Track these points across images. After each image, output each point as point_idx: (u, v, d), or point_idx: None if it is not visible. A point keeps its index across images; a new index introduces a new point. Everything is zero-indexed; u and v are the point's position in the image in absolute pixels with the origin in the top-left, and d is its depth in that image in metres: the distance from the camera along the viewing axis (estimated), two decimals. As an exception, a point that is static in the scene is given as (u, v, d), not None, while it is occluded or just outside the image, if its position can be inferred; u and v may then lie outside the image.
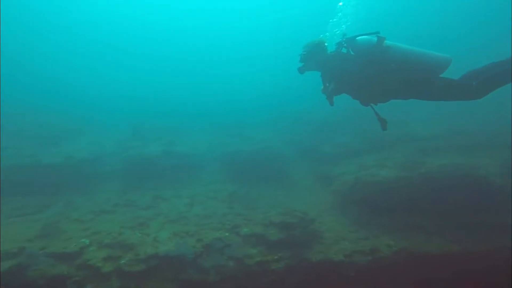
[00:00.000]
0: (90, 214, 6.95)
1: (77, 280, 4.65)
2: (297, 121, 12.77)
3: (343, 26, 4.05)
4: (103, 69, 26.70)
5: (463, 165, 6.29)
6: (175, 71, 26.59)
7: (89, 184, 9.05)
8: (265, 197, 8.43)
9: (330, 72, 3.58)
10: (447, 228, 5.54)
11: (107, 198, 8.14)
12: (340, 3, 4.19)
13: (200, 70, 26.47)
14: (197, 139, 12.44)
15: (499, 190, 5.92)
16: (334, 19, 4.14)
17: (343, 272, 5.10)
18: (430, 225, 5.69)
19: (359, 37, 3.37)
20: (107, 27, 28.06)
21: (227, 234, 6.12)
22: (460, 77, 3.21)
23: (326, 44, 3.69)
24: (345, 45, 3.49)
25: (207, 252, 5.61)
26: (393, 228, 5.97)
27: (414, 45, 3.32)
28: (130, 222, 6.71)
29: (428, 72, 3.13)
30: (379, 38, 3.25)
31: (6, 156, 8.53)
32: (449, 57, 3.10)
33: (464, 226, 5.68)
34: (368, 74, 3.26)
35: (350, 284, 5.10)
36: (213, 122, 14.92)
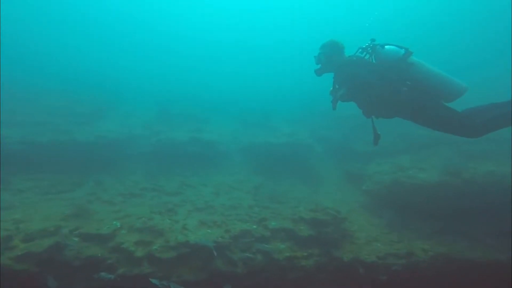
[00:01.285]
0: (120, 197, 7.08)
1: (111, 263, 4.71)
2: (327, 116, 12.39)
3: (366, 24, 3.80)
4: (133, 50, 27.10)
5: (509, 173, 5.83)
6: (204, 59, 26.55)
7: (117, 164, 9.22)
8: (292, 192, 8.29)
9: (344, 76, 3.40)
10: (492, 236, 5.19)
11: (135, 181, 8.27)
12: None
13: (225, 63, 26.34)
14: (222, 127, 12.36)
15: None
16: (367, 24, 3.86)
17: (374, 274, 4.91)
18: (473, 232, 5.36)
19: (388, 46, 3.22)
20: (147, 16, 28.41)
21: (254, 226, 6.04)
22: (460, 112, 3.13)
23: (343, 46, 3.54)
24: (370, 51, 3.33)
25: (235, 244, 5.57)
26: (429, 233, 5.68)
27: (437, 65, 3.18)
28: (158, 207, 6.77)
29: (441, 97, 3.10)
30: (406, 51, 3.13)
31: (46, 131, 8.79)
32: (465, 86, 3.06)
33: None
34: (383, 86, 3.12)
35: (382, 287, 4.91)
36: (238, 111, 14.80)
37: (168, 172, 9.12)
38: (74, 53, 24.22)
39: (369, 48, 3.35)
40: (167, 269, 5.00)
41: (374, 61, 3.34)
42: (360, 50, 3.45)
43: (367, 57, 3.40)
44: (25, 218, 5.26)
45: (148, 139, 10.33)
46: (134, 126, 11.48)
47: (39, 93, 12.88)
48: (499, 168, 6.11)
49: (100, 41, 26.99)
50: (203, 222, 6.23)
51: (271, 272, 5.21)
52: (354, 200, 7.66)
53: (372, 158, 9.23)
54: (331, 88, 3.60)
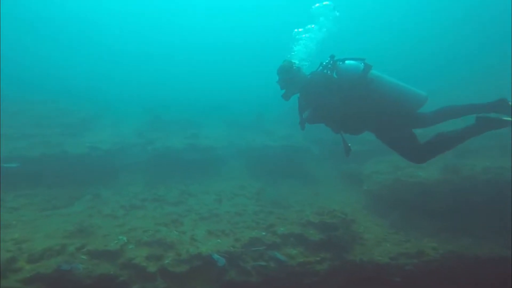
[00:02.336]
0: (122, 209, 6.86)
1: (123, 280, 4.56)
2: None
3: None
4: (117, 58, 26.49)
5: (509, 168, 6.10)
6: (191, 64, 26.31)
7: (113, 176, 8.95)
8: (293, 195, 8.31)
9: (308, 98, 3.46)
10: (497, 232, 5.40)
11: (134, 192, 8.04)
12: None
13: (214, 65, 26.20)
14: (216, 132, 12.27)
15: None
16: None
17: (389, 274, 5.00)
18: (476, 228, 5.56)
19: (348, 61, 3.27)
20: (132, 18, 27.82)
21: (263, 233, 6.01)
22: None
23: (296, 65, 3.58)
24: (330, 67, 3.39)
25: (247, 252, 5.52)
26: (434, 230, 5.84)
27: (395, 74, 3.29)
28: (162, 218, 6.62)
29: (405, 110, 3.16)
30: (366, 65, 3.16)
31: (35, 144, 8.41)
32: (425, 95, 3.14)
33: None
34: (346, 105, 3.18)
35: (397, 286, 5.01)
36: (229, 114, 14.72)
37: (167, 181, 8.93)
38: (56, 62, 23.46)
39: (329, 65, 3.40)
40: (181, 283, 4.90)
41: (335, 76, 3.37)
42: (321, 66, 3.50)
43: (328, 72, 3.44)
44: (26, 237, 5.00)
45: (143, 148, 10.09)
46: (126, 135, 11.19)
47: (22, 104, 12.35)
48: (497, 163, 6.35)
49: (83, 49, 26.25)
50: (210, 232, 6.14)
51: (286, 279, 5.20)
52: (355, 201, 7.78)
53: (367, 157, 9.40)
54: (298, 110, 3.64)
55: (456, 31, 21.99)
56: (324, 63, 3.44)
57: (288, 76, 3.53)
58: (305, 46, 3.85)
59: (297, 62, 3.63)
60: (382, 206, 6.95)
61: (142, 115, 13.57)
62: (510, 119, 2.79)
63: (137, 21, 28.62)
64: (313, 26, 3.95)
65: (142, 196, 7.77)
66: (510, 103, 2.91)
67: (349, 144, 3.35)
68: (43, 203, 6.81)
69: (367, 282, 5.08)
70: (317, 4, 4.07)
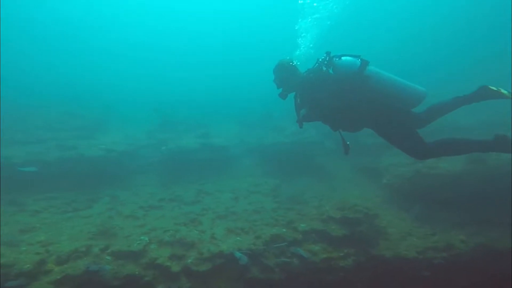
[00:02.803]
0: (141, 210, 6.89)
1: (148, 281, 4.56)
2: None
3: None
4: (124, 61, 26.67)
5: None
6: (194, 65, 26.33)
7: (128, 177, 9.01)
8: (310, 191, 8.22)
9: (305, 96, 3.40)
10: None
11: (151, 193, 8.07)
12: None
13: (218, 64, 26.16)
14: (226, 130, 12.27)
15: None
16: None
17: (417, 269, 4.90)
18: (504, 220, 5.41)
19: (344, 58, 3.20)
20: (136, 21, 27.97)
21: (284, 230, 5.96)
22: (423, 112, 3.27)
23: (293, 63, 3.52)
24: (326, 63, 3.31)
25: (268, 249, 5.47)
26: (460, 223, 5.70)
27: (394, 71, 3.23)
28: (181, 218, 6.62)
29: (403, 106, 3.13)
30: (362, 61, 3.09)
31: (51, 148, 8.49)
32: (424, 91, 3.09)
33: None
34: (343, 102, 3.13)
35: (425, 281, 4.90)
36: (238, 112, 14.68)
37: (182, 180, 8.94)
38: (61, 66, 23.74)
39: (325, 61, 3.32)
40: (204, 281, 4.88)
41: (332, 73, 3.30)
42: (317, 63, 3.41)
43: (324, 69, 3.35)
44: (52, 240, 5.04)
45: (156, 149, 10.13)
46: (138, 136, 11.27)
47: (29, 109, 12.50)
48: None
49: (88, 52, 26.48)
50: (230, 229, 6.11)
51: (310, 275, 5.14)
52: (374, 195, 7.66)
53: (383, 150, 9.24)
54: (295, 107, 3.61)
55: (455, 24, 21.84)
56: (320, 60, 3.37)
57: (284, 74, 3.49)
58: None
59: (294, 61, 3.58)
60: (403, 200, 6.82)
61: (150, 116, 13.61)
62: None
63: (143, 23, 28.77)
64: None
65: (159, 197, 7.78)
66: (492, 88, 2.93)
67: (348, 142, 3.33)
68: (63, 205, 6.87)
69: (394, 277, 4.98)
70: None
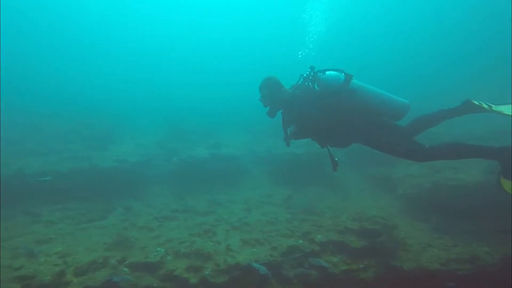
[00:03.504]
0: (155, 221, 6.85)
1: (167, 292, 4.49)
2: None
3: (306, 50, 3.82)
4: (133, 70, 27.09)
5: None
6: (200, 73, 26.65)
7: (141, 188, 9.01)
8: (322, 201, 8.15)
9: (292, 113, 3.36)
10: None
11: (164, 204, 8.06)
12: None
13: (223, 73, 26.46)
14: (235, 140, 12.27)
15: None
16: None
17: (441, 280, 4.76)
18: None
19: (328, 72, 3.19)
20: (145, 30, 28.52)
21: (301, 241, 5.88)
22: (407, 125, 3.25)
23: (278, 80, 3.49)
24: (311, 79, 3.30)
25: (286, 261, 5.39)
26: (481, 234, 5.58)
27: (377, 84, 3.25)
28: (195, 229, 6.57)
29: (389, 118, 3.16)
30: (346, 75, 3.11)
31: (64, 159, 8.55)
32: (408, 103, 3.13)
33: None
34: (331, 114, 3.12)
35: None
36: (243, 120, 14.68)
37: (193, 191, 8.92)
38: (72, 75, 24.17)
39: (310, 77, 3.32)
40: (222, 294, 4.80)
41: (317, 88, 3.31)
42: (302, 79, 3.42)
43: (309, 85, 3.36)
44: (69, 251, 5.02)
45: (167, 159, 10.16)
46: (148, 146, 11.33)
47: (43, 118, 12.68)
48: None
49: (96, 61, 26.97)
50: (245, 241, 6.04)
51: (329, 287, 5.03)
52: (389, 205, 7.56)
53: (396, 160, 9.22)
54: (282, 124, 3.59)
55: (454, 32, 22.08)
56: (305, 75, 3.37)
57: (270, 92, 3.45)
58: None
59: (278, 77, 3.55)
60: (420, 210, 6.71)
61: (160, 125, 13.75)
62: None
63: (153, 32, 29.32)
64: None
65: (173, 207, 7.76)
66: (476, 103, 2.96)
67: (336, 159, 3.36)
68: (78, 216, 6.87)
69: (416, 290, 4.85)
70: None
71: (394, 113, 3.15)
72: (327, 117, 3.13)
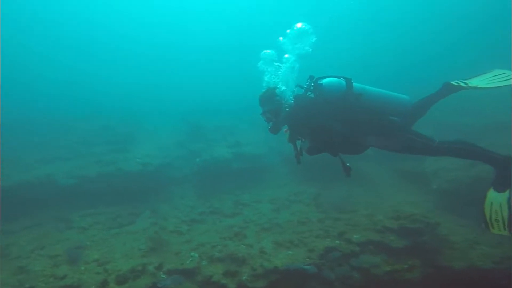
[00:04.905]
0: (184, 225, 6.80)
1: (208, 299, 4.38)
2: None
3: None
4: (148, 71, 27.25)
5: None
6: (212, 69, 26.57)
7: (165, 190, 8.98)
8: (352, 198, 7.90)
9: (300, 125, 3.12)
10: None
11: (189, 206, 7.99)
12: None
13: (236, 67, 26.25)
14: (254, 137, 12.05)
15: None
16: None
17: (496, 279, 4.49)
18: None
19: (326, 80, 3.04)
20: (161, 32, 28.60)
21: (337, 241, 5.68)
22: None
23: (277, 92, 3.18)
24: (312, 88, 3.09)
25: (325, 263, 5.21)
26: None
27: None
28: (225, 232, 6.47)
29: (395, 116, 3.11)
30: (347, 80, 3.01)
31: (90, 163, 8.58)
32: (408, 98, 3.13)
33: None
34: (342, 122, 2.98)
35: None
36: (260, 118, 14.41)
37: (217, 191, 8.82)
38: (90, 78, 24.48)
39: (310, 86, 3.12)
40: (263, 299, 4.66)
41: (320, 97, 3.10)
42: (303, 89, 3.21)
43: (311, 95, 3.15)
44: (106, 258, 5.01)
45: (189, 160, 10.09)
46: (169, 148, 11.27)
47: (67, 122, 12.83)
48: None
49: (116, 63, 27.20)
50: (278, 243, 5.89)
51: (373, 289, 4.83)
52: (423, 200, 7.25)
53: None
54: (287, 136, 3.34)
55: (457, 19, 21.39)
56: (306, 86, 3.17)
57: (274, 107, 3.16)
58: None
59: (280, 86, 3.25)
60: (459, 205, 6.40)
61: (177, 125, 13.68)
62: None
63: (168, 35, 29.33)
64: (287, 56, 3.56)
65: (199, 210, 7.69)
66: (454, 83, 2.99)
67: (348, 164, 3.14)
68: (108, 221, 6.87)
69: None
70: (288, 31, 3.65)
71: (398, 110, 3.10)
72: (340, 126, 2.98)
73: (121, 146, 10.68)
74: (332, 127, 2.98)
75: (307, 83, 3.16)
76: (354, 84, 3.04)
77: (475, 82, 3.01)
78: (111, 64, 27.63)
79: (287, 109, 3.14)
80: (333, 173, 9.36)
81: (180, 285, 4.49)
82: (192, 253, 5.46)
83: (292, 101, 3.19)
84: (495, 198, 2.71)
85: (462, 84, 3.01)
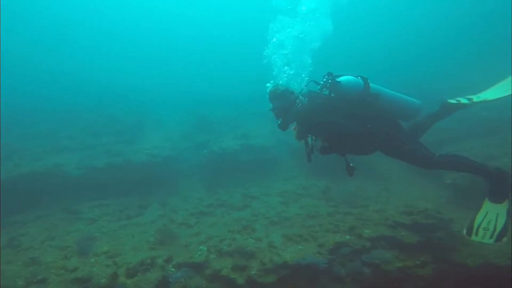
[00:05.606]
0: (192, 217, 6.77)
1: (217, 293, 4.36)
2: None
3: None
4: (156, 61, 27.18)
5: None
6: (218, 60, 26.32)
7: (173, 181, 8.97)
8: (362, 192, 7.79)
9: (314, 123, 2.95)
10: None
11: (198, 198, 7.97)
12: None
13: (240, 58, 25.95)
14: (261, 129, 11.92)
15: None
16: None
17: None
18: None
19: (344, 78, 2.95)
20: (166, 22, 28.43)
21: (348, 237, 5.59)
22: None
23: (292, 89, 3.05)
24: (328, 86, 2.95)
25: (336, 258, 5.13)
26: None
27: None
28: (234, 225, 6.42)
29: (407, 120, 3.14)
30: (365, 81, 2.95)
31: (98, 154, 8.60)
32: (420, 104, 3.09)
33: None
34: (358, 122, 2.92)
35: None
36: (264, 109, 14.23)
37: (225, 184, 8.77)
38: (97, 65, 24.54)
39: (327, 84, 2.99)
40: (272, 294, 4.63)
41: (333, 95, 3.02)
42: (319, 85, 3.10)
43: (325, 92, 3.04)
44: (115, 251, 5.02)
45: (196, 151, 10.05)
46: (176, 139, 11.25)
47: (74, 113, 12.88)
48: None
49: (123, 53, 27.19)
50: (288, 237, 5.82)
51: (385, 285, 4.75)
52: (436, 195, 7.11)
53: (439, 146, 8.68)
54: (295, 133, 3.22)
55: (454, 13, 20.89)
56: (322, 82, 3.05)
57: (285, 104, 3.04)
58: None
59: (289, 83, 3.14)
60: (473, 200, 6.21)
61: (183, 116, 13.62)
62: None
63: (173, 26, 29.16)
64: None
65: (207, 202, 7.66)
66: (453, 101, 3.01)
67: (351, 164, 3.12)
68: (116, 213, 6.89)
69: (483, 286, 4.50)
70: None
71: (410, 115, 3.09)
72: (358, 126, 2.92)
73: (129, 137, 10.69)
74: (347, 125, 2.89)
75: (324, 79, 3.04)
76: (371, 84, 2.97)
77: (483, 96, 3.00)
78: (117, 56, 27.60)
79: (299, 106, 3.02)
80: (342, 166, 9.22)
81: (190, 279, 4.47)
82: (201, 246, 5.43)
83: (304, 98, 3.08)
84: (491, 208, 2.86)
85: (463, 101, 3.00)
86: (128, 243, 5.28)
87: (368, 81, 2.96)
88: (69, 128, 11.25)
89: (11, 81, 19.05)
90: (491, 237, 2.85)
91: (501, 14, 16.35)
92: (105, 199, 7.50)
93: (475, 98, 3.00)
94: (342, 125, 2.90)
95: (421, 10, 22.19)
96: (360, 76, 2.99)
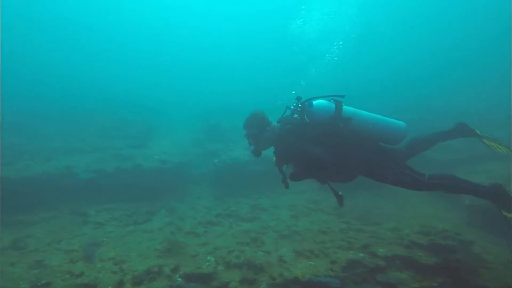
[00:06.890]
0: (200, 226, 6.63)
1: (225, 307, 4.17)
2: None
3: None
4: (169, 67, 27.63)
5: None
6: (229, 69, 26.65)
7: (182, 188, 8.87)
8: (376, 209, 7.55)
9: (286, 150, 2.97)
10: None
11: (206, 207, 7.83)
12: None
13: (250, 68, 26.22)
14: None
15: None
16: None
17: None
18: None
19: (315, 102, 2.92)
20: (179, 26, 29.01)
21: (361, 254, 5.38)
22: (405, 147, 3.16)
23: (266, 116, 3.13)
24: (299, 110, 2.95)
25: (349, 277, 4.91)
26: None
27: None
28: (242, 237, 6.26)
29: (388, 143, 3.05)
30: (337, 103, 2.91)
31: (108, 158, 8.58)
32: (405, 126, 2.99)
33: None
34: (328, 147, 2.85)
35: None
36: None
37: (235, 194, 8.64)
38: (109, 69, 25.02)
39: (297, 108, 3.00)
40: (282, 311, 4.42)
41: (307, 120, 3.03)
42: (289, 110, 3.09)
43: (297, 117, 3.06)
44: (122, 257, 4.89)
45: (207, 159, 9.98)
46: (187, 145, 11.26)
47: (85, 115, 13.01)
48: None
49: (136, 57, 27.75)
50: (298, 252, 5.64)
51: (401, 309, 4.50)
52: (453, 216, 6.84)
53: (455, 166, 8.46)
54: (274, 159, 3.22)
55: (454, 34, 21.08)
56: (292, 107, 3.08)
57: (255, 132, 3.13)
58: None
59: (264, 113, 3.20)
60: (493, 223, 5.96)
61: (194, 122, 13.66)
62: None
63: (186, 31, 29.76)
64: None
65: (216, 212, 7.51)
66: (469, 126, 3.10)
67: (340, 193, 3.00)
68: (124, 218, 6.79)
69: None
70: None
71: (391, 138, 2.98)
72: (327, 151, 2.83)
73: (140, 141, 10.71)
74: (315, 152, 2.79)
75: (294, 104, 3.04)
76: (345, 107, 2.91)
77: (490, 143, 3.13)
78: (133, 63, 28.21)
79: (268, 133, 3.06)
80: (354, 182, 9.02)
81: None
82: (209, 257, 5.28)
83: (277, 124, 3.10)
84: None
85: (477, 131, 3.10)
86: (135, 250, 5.16)
87: (342, 104, 2.92)
88: (80, 130, 11.36)
89: (26, 83, 19.54)
90: None
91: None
92: (112, 203, 7.42)
93: (485, 139, 3.13)
94: (308, 151, 2.81)
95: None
96: (333, 99, 2.96)
